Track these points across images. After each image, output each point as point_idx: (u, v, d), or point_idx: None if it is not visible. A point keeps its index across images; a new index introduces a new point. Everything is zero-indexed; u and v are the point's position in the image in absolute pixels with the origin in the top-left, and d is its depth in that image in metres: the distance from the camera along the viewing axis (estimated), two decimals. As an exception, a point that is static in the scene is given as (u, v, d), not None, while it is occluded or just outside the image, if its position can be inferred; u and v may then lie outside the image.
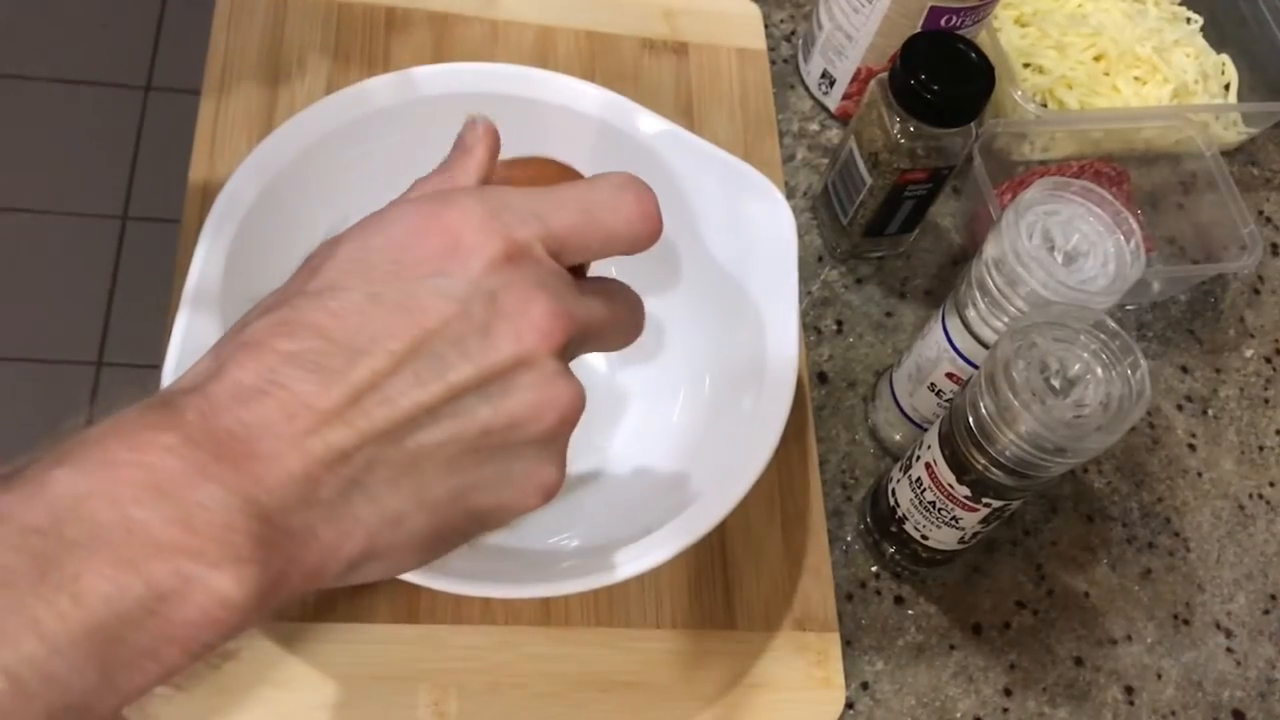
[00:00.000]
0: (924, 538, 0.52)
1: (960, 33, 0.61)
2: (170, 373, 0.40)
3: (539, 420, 0.30)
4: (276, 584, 0.26)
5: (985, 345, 0.50)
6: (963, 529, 0.50)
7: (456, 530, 0.31)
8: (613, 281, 0.36)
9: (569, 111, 0.51)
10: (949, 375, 0.53)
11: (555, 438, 0.31)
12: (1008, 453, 0.44)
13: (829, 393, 0.60)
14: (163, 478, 0.25)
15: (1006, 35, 0.70)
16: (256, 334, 0.28)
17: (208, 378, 0.27)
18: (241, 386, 0.27)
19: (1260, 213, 0.74)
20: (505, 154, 0.35)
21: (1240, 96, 0.74)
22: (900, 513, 0.52)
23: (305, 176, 0.47)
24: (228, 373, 0.27)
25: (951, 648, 0.55)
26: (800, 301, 0.49)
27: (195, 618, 0.24)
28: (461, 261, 0.30)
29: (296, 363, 0.27)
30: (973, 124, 0.56)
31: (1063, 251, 0.47)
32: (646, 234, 0.34)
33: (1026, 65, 0.70)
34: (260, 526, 0.25)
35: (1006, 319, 0.48)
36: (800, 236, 0.56)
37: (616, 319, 0.35)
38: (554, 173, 0.38)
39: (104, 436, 0.25)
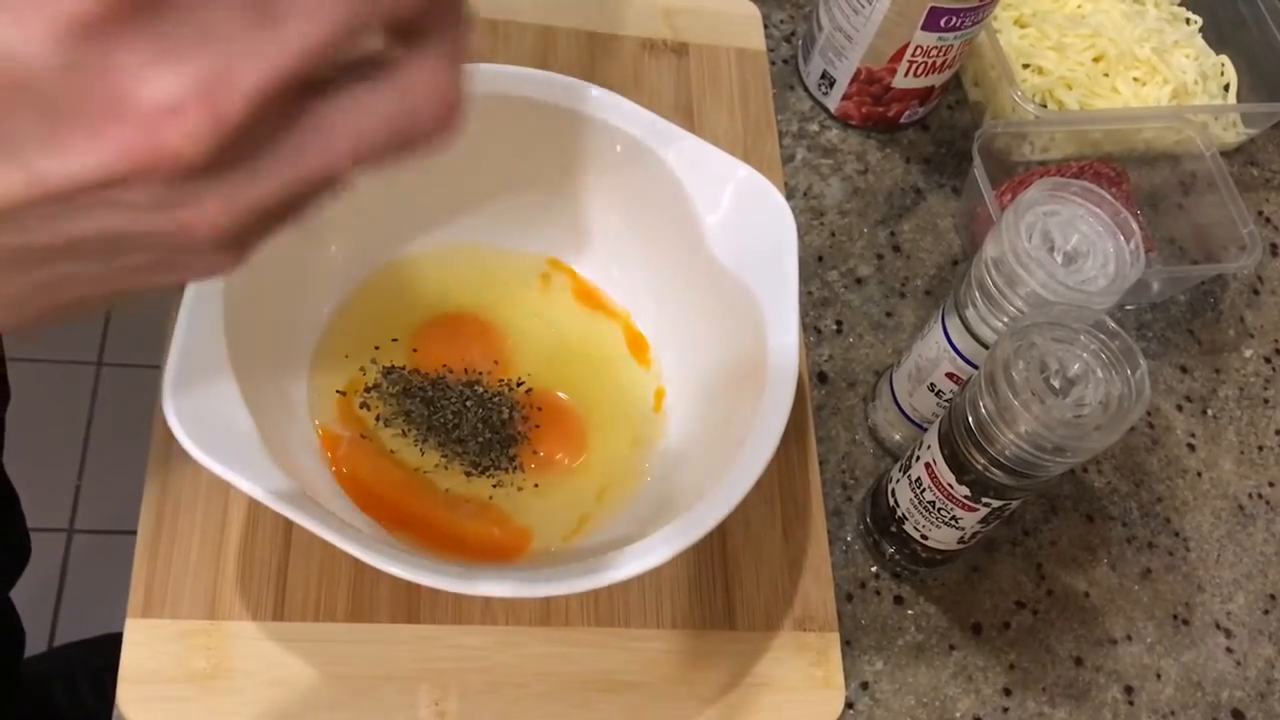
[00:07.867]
0: (924, 537, 0.52)
1: (959, 33, 0.62)
2: (170, 373, 0.40)
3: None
4: None
5: (985, 345, 0.50)
6: (962, 529, 0.50)
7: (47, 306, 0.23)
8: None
9: (569, 112, 0.51)
10: (949, 375, 0.53)
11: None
12: (1007, 453, 0.44)
13: (829, 393, 0.60)
14: None
15: (1006, 36, 0.70)
16: None
17: None
18: None
19: (1260, 213, 0.74)
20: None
21: (1239, 97, 0.74)
22: (900, 513, 0.52)
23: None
24: None
25: (951, 647, 0.55)
26: (800, 301, 0.49)
27: None
28: None
29: None
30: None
31: (1062, 252, 0.47)
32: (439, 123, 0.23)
33: (1026, 66, 0.70)
34: None
35: (1006, 319, 0.48)
36: (800, 236, 0.56)
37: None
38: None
39: None
